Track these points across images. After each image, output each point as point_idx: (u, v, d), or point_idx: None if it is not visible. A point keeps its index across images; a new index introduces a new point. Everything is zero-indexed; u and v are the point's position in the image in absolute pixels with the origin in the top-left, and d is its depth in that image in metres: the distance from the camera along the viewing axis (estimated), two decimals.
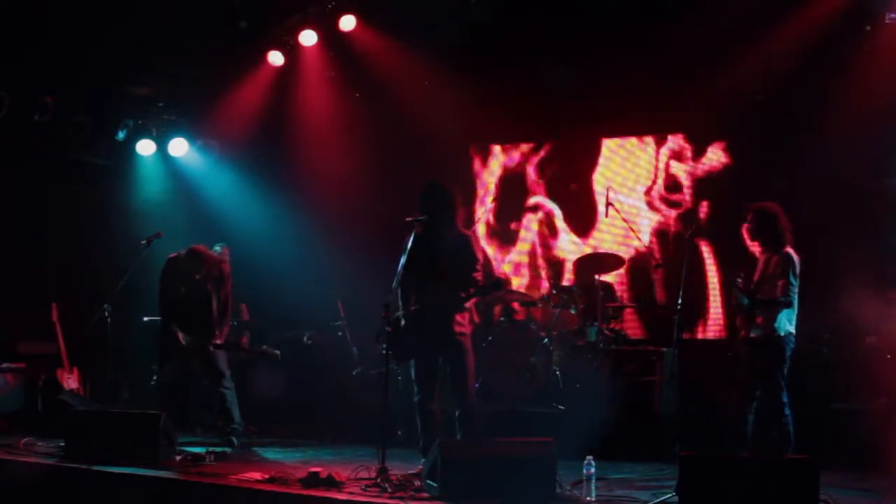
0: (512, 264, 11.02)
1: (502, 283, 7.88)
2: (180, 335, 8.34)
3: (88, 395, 9.49)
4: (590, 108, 10.14)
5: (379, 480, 6.29)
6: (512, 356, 9.22)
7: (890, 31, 8.74)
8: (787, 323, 7.04)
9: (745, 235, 7.43)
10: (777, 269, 7.07)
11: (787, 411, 6.97)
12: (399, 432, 8.54)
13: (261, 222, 10.75)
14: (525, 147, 11.03)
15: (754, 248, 7.69)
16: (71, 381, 9.47)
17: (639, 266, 10.24)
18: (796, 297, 7.06)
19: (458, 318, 6.80)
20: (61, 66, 9.62)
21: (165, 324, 8.51)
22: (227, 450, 8.08)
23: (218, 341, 8.42)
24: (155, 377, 9.07)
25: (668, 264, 9.52)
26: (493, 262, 10.95)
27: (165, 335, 8.46)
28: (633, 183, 10.47)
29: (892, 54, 8.65)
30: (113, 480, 6.83)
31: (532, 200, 10.95)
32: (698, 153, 10.20)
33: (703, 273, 9.99)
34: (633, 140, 10.54)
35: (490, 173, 11.18)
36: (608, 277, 9.84)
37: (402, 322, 6.81)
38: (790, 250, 7.11)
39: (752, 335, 7.17)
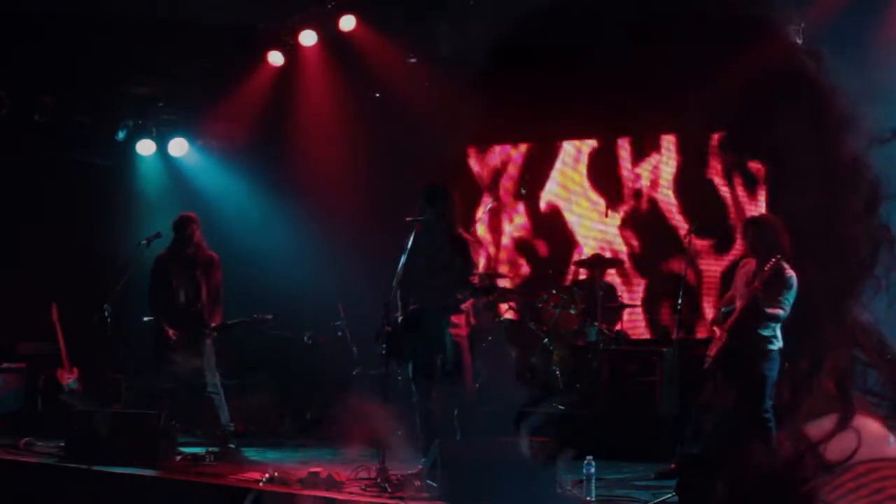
0: (510, 263, 11.02)
1: (498, 287, 7.87)
2: (171, 332, 8.17)
3: (88, 396, 9.48)
4: (588, 108, 10.13)
5: (379, 480, 6.30)
6: (512, 356, 9.21)
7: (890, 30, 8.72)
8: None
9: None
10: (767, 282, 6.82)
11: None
12: (399, 432, 8.52)
13: (261, 222, 10.74)
14: (525, 147, 11.02)
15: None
16: (71, 382, 9.46)
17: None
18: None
19: (454, 319, 6.80)
20: (61, 66, 9.62)
21: (157, 326, 8.38)
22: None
23: (213, 324, 8.17)
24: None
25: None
26: (492, 262, 10.94)
27: (159, 339, 8.32)
28: (630, 183, 10.47)
29: None
30: (113, 480, 6.83)
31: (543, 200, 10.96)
32: (698, 153, 10.20)
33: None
34: (629, 140, 10.53)
35: (490, 174, 11.17)
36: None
37: (401, 322, 6.82)
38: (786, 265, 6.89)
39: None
